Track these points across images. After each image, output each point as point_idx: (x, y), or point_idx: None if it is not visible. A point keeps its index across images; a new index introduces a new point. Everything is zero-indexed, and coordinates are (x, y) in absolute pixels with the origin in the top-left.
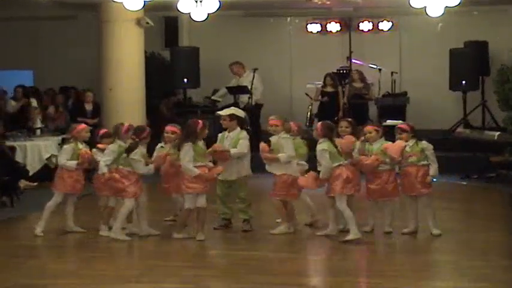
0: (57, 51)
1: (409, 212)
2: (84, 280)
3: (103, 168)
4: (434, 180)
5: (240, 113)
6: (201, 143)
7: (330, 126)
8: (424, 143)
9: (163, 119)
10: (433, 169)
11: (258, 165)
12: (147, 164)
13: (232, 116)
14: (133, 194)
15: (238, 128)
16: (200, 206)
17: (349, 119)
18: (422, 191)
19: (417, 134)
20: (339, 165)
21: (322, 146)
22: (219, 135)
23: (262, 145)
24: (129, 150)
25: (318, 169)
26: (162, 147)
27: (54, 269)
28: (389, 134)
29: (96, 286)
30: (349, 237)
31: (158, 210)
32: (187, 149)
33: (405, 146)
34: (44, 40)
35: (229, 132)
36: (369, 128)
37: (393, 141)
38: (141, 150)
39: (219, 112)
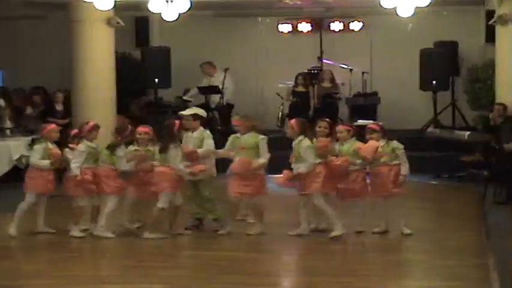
0: (27, 51)
1: (380, 211)
2: (58, 281)
3: (75, 170)
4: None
5: (202, 112)
6: None
7: (305, 122)
8: (394, 143)
9: (134, 119)
10: (404, 168)
11: (224, 165)
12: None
13: (195, 116)
14: (116, 191)
15: (201, 128)
16: (178, 204)
17: (328, 119)
18: (394, 191)
19: (388, 134)
20: (319, 163)
21: (306, 142)
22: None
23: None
24: (111, 147)
25: (292, 166)
26: (136, 149)
27: (28, 270)
28: (361, 134)
29: (71, 287)
30: (335, 233)
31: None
32: (177, 152)
33: (378, 147)
34: (14, 40)
35: (192, 132)
36: (340, 128)
37: (364, 141)
38: (123, 148)
39: (182, 112)
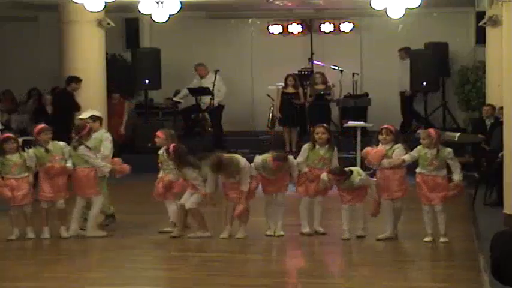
0: (16, 52)
1: (385, 215)
2: (47, 283)
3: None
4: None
5: (99, 113)
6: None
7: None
8: (399, 147)
9: None
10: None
11: None
12: None
13: (93, 118)
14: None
15: (102, 129)
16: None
17: (325, 125)
18: (397, 194)
19: (399, 138)
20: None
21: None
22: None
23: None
24: (74, 148)
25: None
26: None
27: (17, 272)
28: (350, 135)
29: None
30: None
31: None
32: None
33: (385, 154)
34: (2, 41)
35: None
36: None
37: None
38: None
39: (81, 116)
